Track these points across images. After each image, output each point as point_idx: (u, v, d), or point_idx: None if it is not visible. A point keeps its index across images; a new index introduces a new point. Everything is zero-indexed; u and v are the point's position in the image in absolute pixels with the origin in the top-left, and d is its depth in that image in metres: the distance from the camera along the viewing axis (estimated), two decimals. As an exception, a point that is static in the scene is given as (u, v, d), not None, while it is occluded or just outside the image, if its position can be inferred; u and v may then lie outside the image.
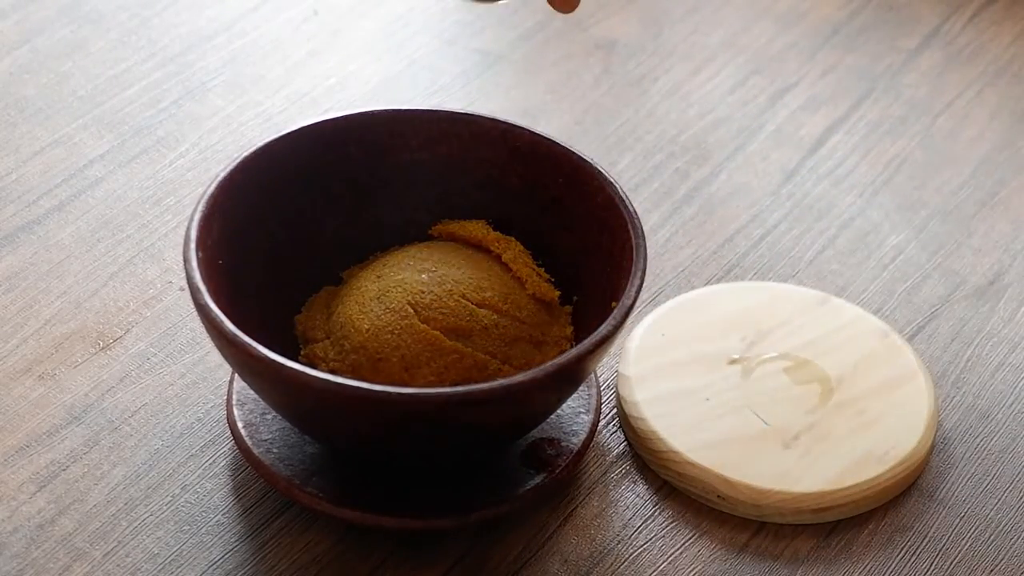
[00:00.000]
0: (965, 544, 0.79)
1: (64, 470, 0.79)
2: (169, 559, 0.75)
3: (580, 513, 0.79)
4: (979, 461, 0.82)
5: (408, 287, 0.77)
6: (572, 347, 0.77)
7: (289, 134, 0.80)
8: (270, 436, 0.77)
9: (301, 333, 0.80)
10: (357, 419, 0.71)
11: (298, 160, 0.80)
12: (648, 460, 0.81)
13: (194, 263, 0.74)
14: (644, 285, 0.77)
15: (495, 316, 0.77)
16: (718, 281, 0.91)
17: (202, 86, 1.01)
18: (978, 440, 0.83)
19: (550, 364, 0.71)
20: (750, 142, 1.00)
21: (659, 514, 0.79)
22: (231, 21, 1.06)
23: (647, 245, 0.77)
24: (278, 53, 1.04)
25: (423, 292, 0.77)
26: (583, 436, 0.79)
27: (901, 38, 1.09)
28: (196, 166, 0.95)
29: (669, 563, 0.77)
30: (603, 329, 0.73)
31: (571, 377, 0.73)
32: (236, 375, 0.79)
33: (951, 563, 0.78)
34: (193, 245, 0.74)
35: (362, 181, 0.82)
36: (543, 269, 0.81)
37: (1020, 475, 0.82)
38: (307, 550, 0.76)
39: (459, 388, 0.70)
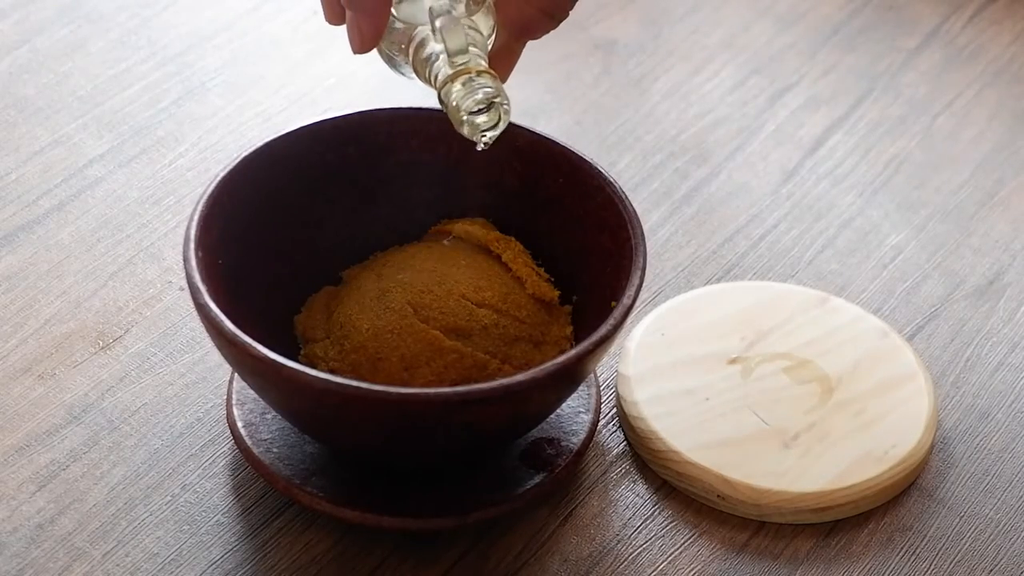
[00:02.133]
0: (965, 544, 0.79)
1: (64, 470, 0.79)
2: (169, 559, 0.75)
3: (580, 513, 0.79)
4: (979, 461, 0.82)
5: (408, 287, 0.77)
6: (572, 347, 0.77)
7: (289, 134, 0.80)
8: (270, 436, 0.77)
9: (301, 333, 0.80)
10: (357, 419, 0.71)
11: (298, 160, 0.80)
12: (648, 460, 0.81)
13: (194, 263, 0.74)
14: (644, 285, 0.77)
15: (495, 316, 0.77)
16: (718, 281, 0.91)
17: (202, 86, 1.01)
18: (978, 440, 0.83)
19: (550, 364, 0.71)
20: (750, 142, 1.00)
21: (659, 514, 0.79)
22: (231, 21, 1.06)
23: (647, 245, 0.77)
24: (278, 53, 1.04)
25: (423, 292, 0.77)
26: (583, 436, 0.79)
27: (901, 38, 1.09)
28: (196, 166, 0.95)
29: (669, 563, 0.77)
30: (603, 329, 0.73)
31: (571, 377, 0.73)
32: (236, 375, 0.79)
33: (951, 563, 0.78)
34: (193, 245, 0.74)
35: (362, 181, 0.82)
36: (543, 269, 0.81)
37: (1020, 475, 0.82)
38: (307, 550, 0.76)
39: (459, 388, 0.70)
